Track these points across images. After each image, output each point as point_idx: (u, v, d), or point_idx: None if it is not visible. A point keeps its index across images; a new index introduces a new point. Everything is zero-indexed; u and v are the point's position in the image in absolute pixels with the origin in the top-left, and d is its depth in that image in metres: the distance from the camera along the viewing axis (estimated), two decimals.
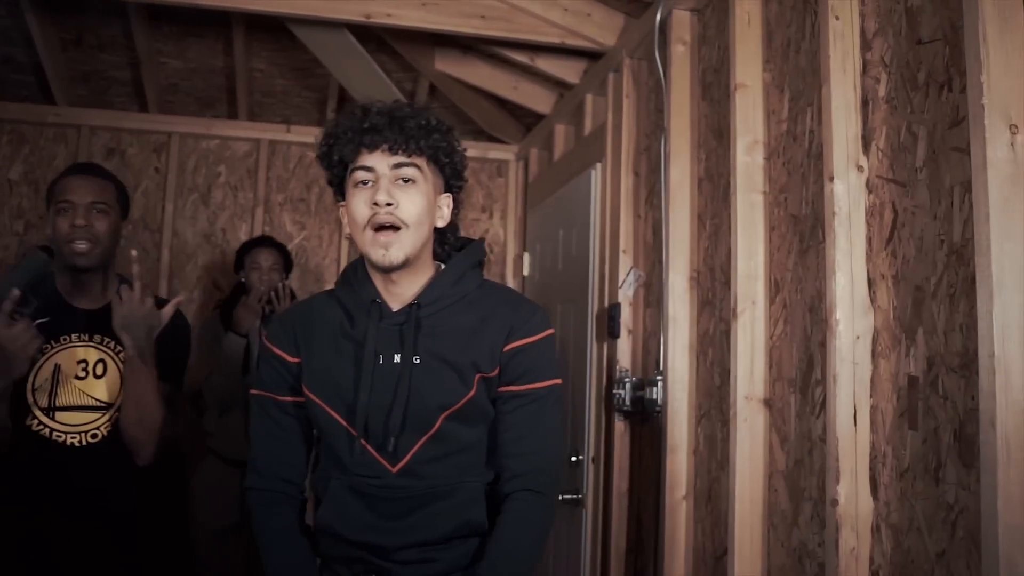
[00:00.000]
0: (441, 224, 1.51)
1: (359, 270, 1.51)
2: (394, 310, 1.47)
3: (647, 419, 2.54)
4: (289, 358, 1.50)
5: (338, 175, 1.49)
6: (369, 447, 1.43)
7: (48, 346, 1.88)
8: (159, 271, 3.84)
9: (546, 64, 3.23)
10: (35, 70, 3.63)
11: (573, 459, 2.88)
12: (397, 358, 1.43)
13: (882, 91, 1.62)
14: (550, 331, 1.51)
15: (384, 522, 1.43)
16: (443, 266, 1.53)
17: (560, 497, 2.85)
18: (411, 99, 3.74)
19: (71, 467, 1.86)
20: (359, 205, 1.41)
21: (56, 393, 1.87)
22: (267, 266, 3.21)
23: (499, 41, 3.03)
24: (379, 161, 1.41)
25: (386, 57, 3.52)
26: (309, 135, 3.96)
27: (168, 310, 1.88)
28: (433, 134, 1.45)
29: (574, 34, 2.84)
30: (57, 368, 1.88)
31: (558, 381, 1.52)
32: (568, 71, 3.25)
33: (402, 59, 3.52)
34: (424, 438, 1.43)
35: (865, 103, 1.65)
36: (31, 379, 1.86)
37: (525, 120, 4.01)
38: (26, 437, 1.85)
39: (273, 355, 1.51)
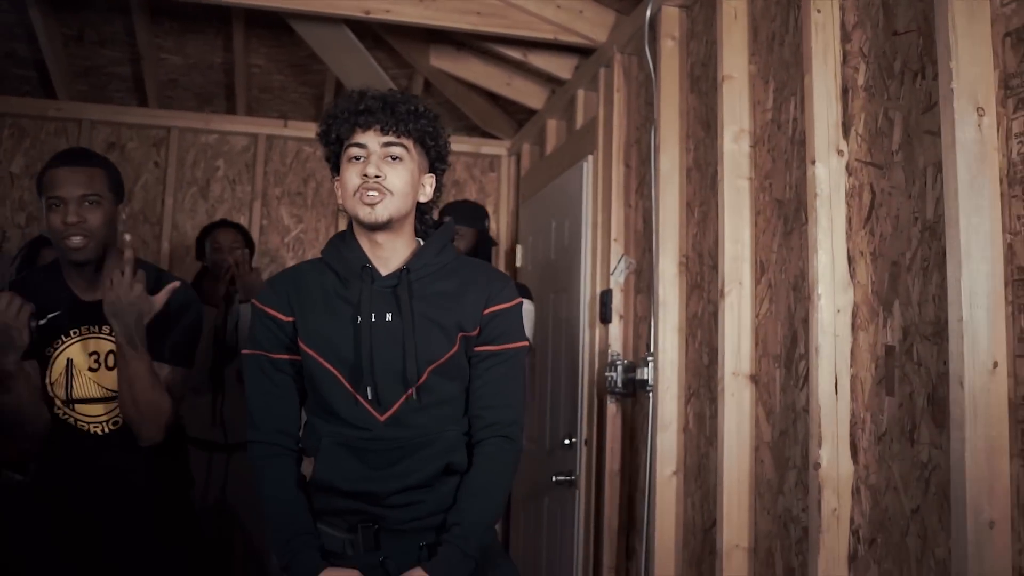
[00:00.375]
0: (423, 200, 1.68)
1: (347, 237, 1.66)
2: (383, 275, 1.61)
3: (638, 400, 2.63)
4: (283, 317, 1.62)
5: (335, 151, 1.64)
6: (360, 398, 1.57)
7: (60, 340, 1.91)
8: (159, 263, 3.89)
9: (539, 60, 3.32)
10: (37, 65, 3.70)
11: (567, 441, 2.97)
12: (389, 316, 1.58)
13: (861, 79, 1.72)
14: (519, 300, 1.70)
15: (375, 471, 1.56)
16: (422, 242, 1.69)
17: (554, 479, 2.94)
18: None
19: (97, 453, 1.92)
20: (351, 176, 1.57)
21: (71, 387, 1.91)
22: (227, 245, 3.23)
23: (493, 37, 3.12)
24: (371, 139, 1.57)
25: (382, 53, 3.60)
26: (306, 130, 4.06)
27: (160, 297, 1.87)
28: (421, 119, 1.61)
29: (567, 30, 2.94)
30: (70, 362, 1.91)
31: (526, 343, 1.70)
32: (560, 67, 3.35)
33: (397, 55, 3.61)
34: (411, 389, 1.57)
35: (845, 91, 1.75)
36: (47, 374, 1.90)
37: (517, 116, 4.10)
38: (54, 424, 1.91)
39: (267, 315, 1.63)
